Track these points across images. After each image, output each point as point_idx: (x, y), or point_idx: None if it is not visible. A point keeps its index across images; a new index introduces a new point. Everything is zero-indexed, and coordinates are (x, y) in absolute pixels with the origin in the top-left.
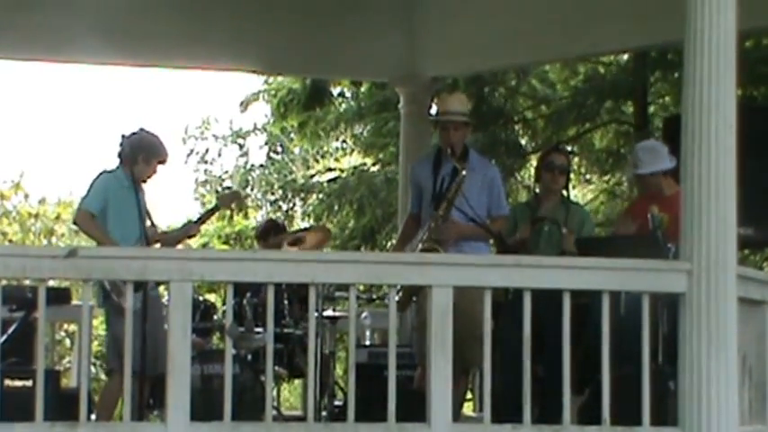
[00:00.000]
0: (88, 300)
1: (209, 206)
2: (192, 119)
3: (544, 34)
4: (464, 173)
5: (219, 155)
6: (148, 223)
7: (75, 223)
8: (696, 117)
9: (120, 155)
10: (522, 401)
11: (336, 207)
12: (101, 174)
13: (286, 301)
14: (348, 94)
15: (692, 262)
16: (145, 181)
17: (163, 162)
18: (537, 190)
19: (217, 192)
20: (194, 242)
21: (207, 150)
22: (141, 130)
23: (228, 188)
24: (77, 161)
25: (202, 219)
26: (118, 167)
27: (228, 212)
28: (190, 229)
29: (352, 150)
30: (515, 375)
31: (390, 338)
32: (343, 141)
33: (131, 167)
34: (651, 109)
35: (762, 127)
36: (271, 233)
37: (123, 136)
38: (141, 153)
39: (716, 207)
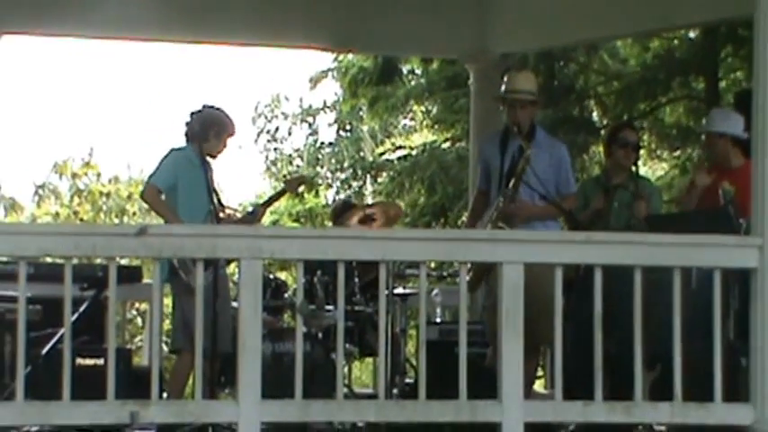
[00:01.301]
0: (159, 278)
1: (277, 189)
2: (262, 97)
3: (614, 9)
4: (530, 152)
5: (289, 133)
6: (216, 201)
7: (142, 197)
8: (767, 91)
9: (187, 133)
10: (593, 378)
11: (407, 185)
12: (171, 151)
13: (356, 279)
14: (418, 72)
15: (763, 237)
16: (215, 156)
17: (232, 135)
18: (606, 165)
19: (284, 175)
20: (264, 220)
21: (277, 129)
22: (205, 106)
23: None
24: (149, 139)
25: (269, 201)
26: (186, 145)
27: (295, 196)
28: (256, 214)
29: (423, 126)
30: (586, 352)
31: (461, 316)
32: (412, 119)
33: (202, 144)
34: (722, 84)
35: None
36: (345, 214)
37: (191, 114)
38: (213, 129)
39: None
